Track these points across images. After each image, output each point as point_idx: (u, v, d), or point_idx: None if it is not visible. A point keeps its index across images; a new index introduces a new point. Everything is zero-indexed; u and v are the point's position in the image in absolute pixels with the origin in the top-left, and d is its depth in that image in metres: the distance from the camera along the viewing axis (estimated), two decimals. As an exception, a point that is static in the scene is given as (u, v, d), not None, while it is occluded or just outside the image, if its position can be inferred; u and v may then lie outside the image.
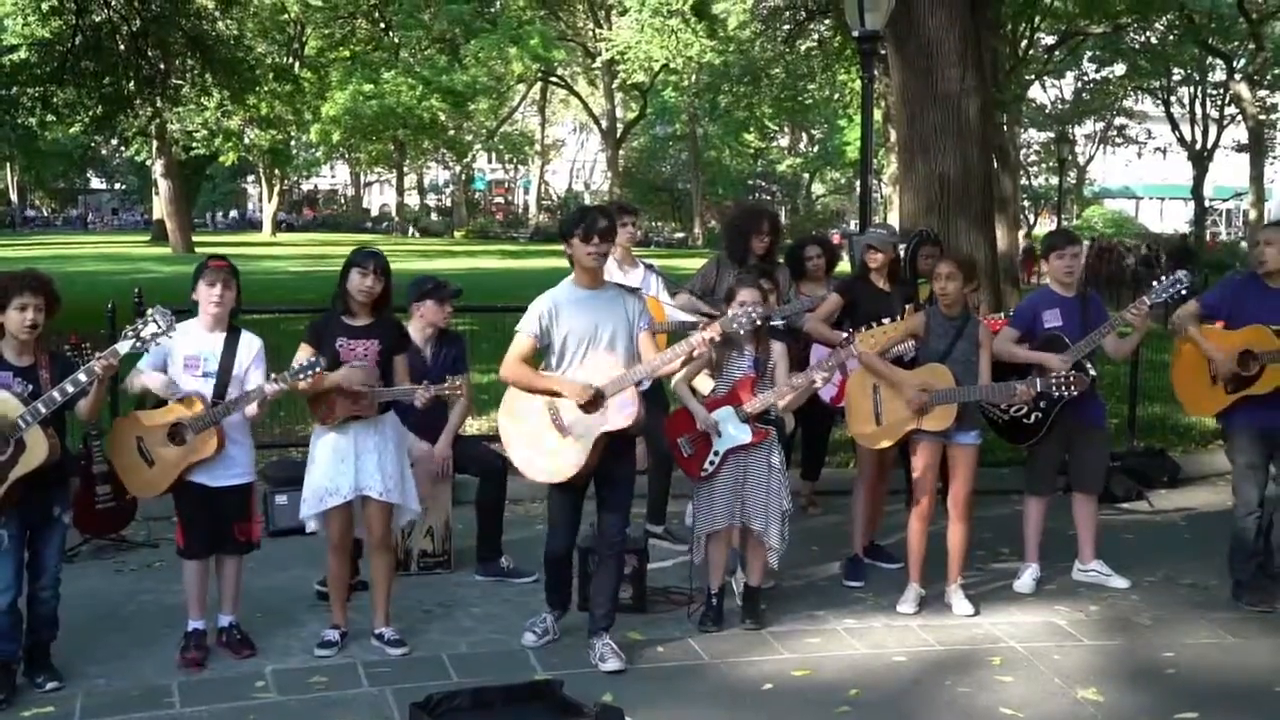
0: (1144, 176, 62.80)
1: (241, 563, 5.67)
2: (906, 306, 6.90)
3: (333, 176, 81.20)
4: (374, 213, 76.25)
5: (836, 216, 64.81)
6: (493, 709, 4.74)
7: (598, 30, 48.30)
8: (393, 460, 5.59)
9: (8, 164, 65.47)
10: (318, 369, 5.29)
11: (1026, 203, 49.81)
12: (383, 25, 41.77)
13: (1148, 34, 35.44)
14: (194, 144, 39.34)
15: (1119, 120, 53.18)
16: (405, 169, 67.62)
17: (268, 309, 11.10)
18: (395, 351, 5.61)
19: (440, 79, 43.99)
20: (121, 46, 21.41)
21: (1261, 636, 5.94)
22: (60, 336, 5.85)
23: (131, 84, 21.89)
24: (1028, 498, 6.77)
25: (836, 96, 36.61)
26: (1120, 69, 43.10)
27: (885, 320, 6.66)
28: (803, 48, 27.84)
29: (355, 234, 58.90)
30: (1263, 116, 40.82)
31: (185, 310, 5.60)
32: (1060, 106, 50.76)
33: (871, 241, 7.28)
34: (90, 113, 23.22)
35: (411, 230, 62.78)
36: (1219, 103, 46.27)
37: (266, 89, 29.69)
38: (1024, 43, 30.40)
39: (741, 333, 5.59)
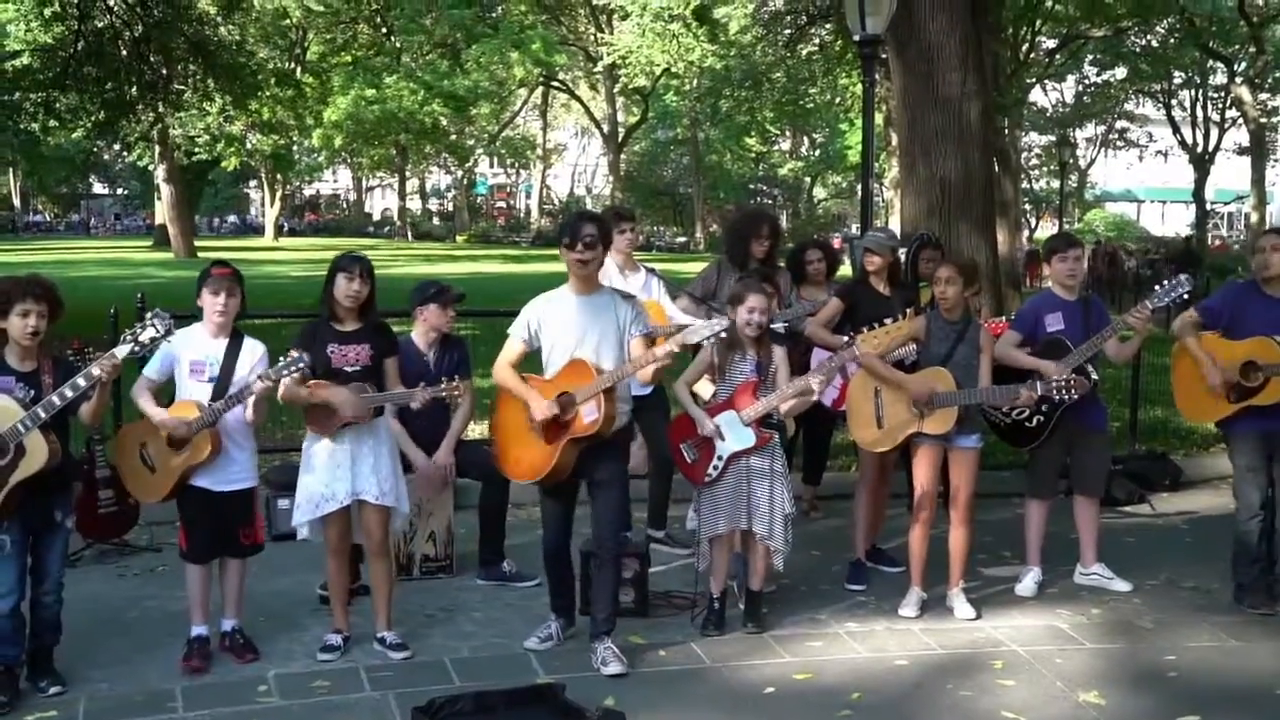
0: (1145, 180, 62.82)
1: (245, 567, 5.68)
2: (907, 310, 6.91)
3: (334, 181, 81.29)
4: (376, 217, 76.28)
5: (838, 220, 64.83)
6: (495, 713, 4.75)
7: (599, 35, 48.33)
8: (386, 463, 5.60)
9: (10, 169, 65.56)
10: (301, 364, 5.28)
11: (1028, 206, 49.83)
12: (384, 30, 41.84)
13: (1149, 37, 35.46)
14: (196, 149, 39.39)
15: (1120, 124, 53.25)
16: (407, 173, 67.65)
17: (269, 314, 11.14)
18: (385, 355, 5.63)
19: (442, 84, 44.05)
20: (124, 52, 21.46)
21: (1263, 640, 5.94)
22: (63, 341, 5.86)
23: (134, 89, 21.94)
24: (1029, 501, 6.78)
25: (838, 100, 36.61)
26: (1121, 72, 43.12)
27: (888, 321, 6.67)
28: (804, 52, 27.88)
29: (357, 239, 58.96)
30: (1264, 119, 40.83)
31: (190, 315, 5.61)
32: (1061, 110, 50.82)
33: (868, 245, 7.29)
34: (93, 118, 23.25)
35: (406, 233, 62.74)
36: (1220, 106, 46.32)
37: (268, 94, 29.71)
38: (1025, 46, 30.43)
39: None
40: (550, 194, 74.04)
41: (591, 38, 51.52)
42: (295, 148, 52.57)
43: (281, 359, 5.33)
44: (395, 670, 5.43)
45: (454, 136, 57.63)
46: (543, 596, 5.99)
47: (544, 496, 5.76)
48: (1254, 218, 41.55)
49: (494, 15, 43.58)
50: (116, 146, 42.11)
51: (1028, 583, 6.62)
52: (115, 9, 21.24)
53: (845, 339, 6.34)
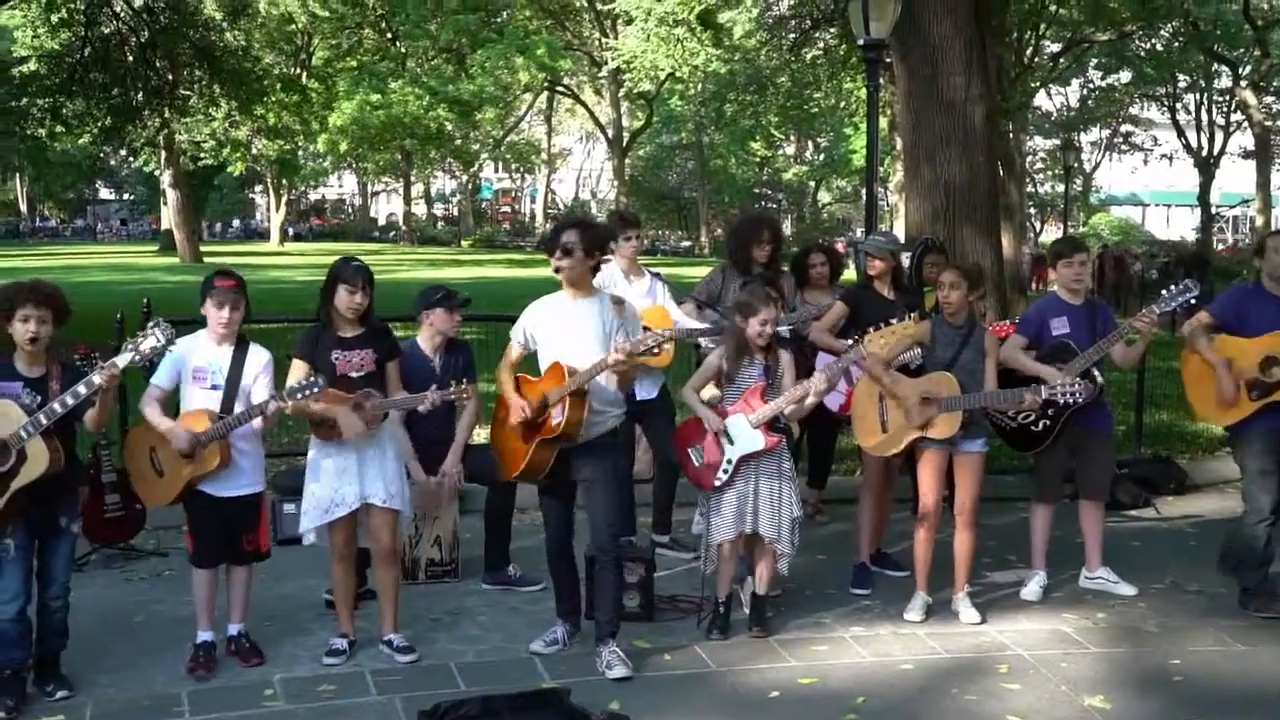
0: (1150, 183, 62.80)
1: (251, 572, 5.70)
2: (911, 314, 6.91)
3: (340, 186, 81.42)
4: (381, 222, 76.38)
5: (843, 224, 64.83)
6: (500, 717, 4.76)
7: (604, 39, 48.32)
8: (393, 466, 5.62)
9: (17, 174, 65.72)
10: (317, 388, 5.31)
11: (1032, 210, 49.84)
12: (389, 35, 41.98)
13: (1153, 41, 35.44)
14: (202, 154, 39.54)
15: (1125, 127, 53.23)
16: (412, 178, 67.72)
17: (274, 319, 11.14)
18: (388, 359, 5.64)
19: (447, 89, 44.11)
20: (130, 58, 21.55)
21: (1268, 644, 5.93)
22: (69, 347, 5.88)
23: (140, 95, 22.04)
24: (1034, 505, 6.78)
25: (842, 105, 36.61)
26: (1126, 76, 43.11)
27: (895, 322, 6.66)
28: (808, 56, 27.84)
29: (362, 243, 59.03)
30: (1269, 123, 40.77)
31: (194, 321, 5.62)
32: (1066, 114, 50.79)
33: (869, 249, 7.31)
34: (99, 123, 23.36)
35: (411, 238, 62.76)
36: (1225, 109, 46.31)
37: (274, 99, 29.83)
38: (1029, 50, 30.37)
39: (655, 352, 5.58)
40: (555, 199, 74.09)
41: (596, 43, 51.53)
42: (300, 153, 52.66)
43: (295, 381, 5.35)
44: (401, 674, 5.44)
45: (459, 141, 57.68)
46: (548, 601, 6.00)
47: (542, 497, 5.82)
48: (1259, 221, 41.49)
49: (499, 20, 43.67)
50: (123, 152, 42.24)
51: (1033, 587, 6.61)
52: (122, 15, 21.34)
53: (849, 343, 6.35)
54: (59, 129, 23.77)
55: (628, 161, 60.27)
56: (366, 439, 5.50)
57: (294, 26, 40.32)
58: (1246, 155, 47.19)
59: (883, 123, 18.53)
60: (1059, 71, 37.50)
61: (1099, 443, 6.68)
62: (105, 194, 78.19)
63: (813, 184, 64.98)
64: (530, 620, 6.10)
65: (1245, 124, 43.09)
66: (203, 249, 44.15)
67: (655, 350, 5.53)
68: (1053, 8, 27.12)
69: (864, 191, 13.41)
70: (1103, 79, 45.60)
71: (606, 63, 44.61)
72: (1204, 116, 47.51)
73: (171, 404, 5.56)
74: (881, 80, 11.70)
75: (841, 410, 7.23)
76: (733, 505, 5.87)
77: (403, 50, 44.69)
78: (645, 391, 7.06)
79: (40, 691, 5.14)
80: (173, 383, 5.49)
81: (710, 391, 6.05)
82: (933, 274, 7.34)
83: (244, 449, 5.51)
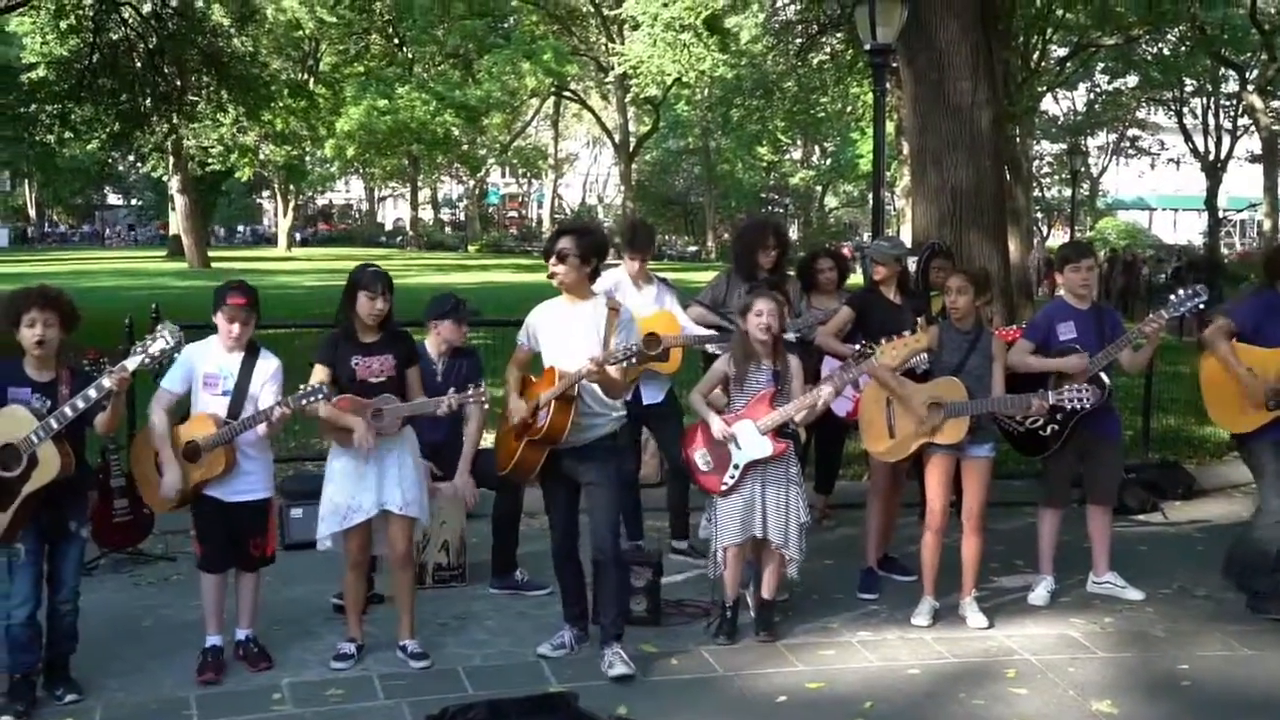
0: (1157, 188, 62.69)
1: (259, 577, 5.71)
2: (918, 319, 6.91)
3: (347, 191, 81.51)
4: (388, 227, 76.48)
5: (849, 229, 64.83)
6: (508, 721, 4.77)
7: (610, 45, 48.39)
8: (411, 474, 5.63)
9: (26, 180, 65.93)
10: (321, 394, 5.33)
11: (1039, 214, 49.74)
12: (396, 41, 42.04)
13: (1160, 45, 35.41)
14: (210, 160, 39.54)
15: (1132, 132, 53.14)
16: (419, 183, 67.82)
17: (282, 324, 11.17)
18: (408, 364, 5.66)
19: (454, 94, 44.17)
20: (138, 64, 21.60)
21: (1276, 648, 5.92)
22: (78, 352, 5.90)
23: (148, 101, 22.09)
24: (1042, 510, 6.78)
25: (849, 109, 36.59)
26: (1133, 80, 43.09)
27: (907, 333, 6.65)
28: (815, 61, 27.84)
29: (369, 248, 59.09)
30: (1276, 127, 40.66)
31: (205, 326, 5.64)
32: (1073, 118, 50.73)
33: (872, 255, 7.32)
34: (107, 129, 23.41)
35: (418, 243, 62.81)
36: (1232, 113, 46.18)
37: (281, 105, 29.87)
38: (1036, 54, 30.37)
39: (626, 363, 5.59)
40: (562, 203, 74.15)
41: (603, 48, 51.59)
42: (308, 158, 52.75)
43: (302, 387, 5.36)
44: (409, 678, 5.45)
45: (466, 146, 57.74)
46: (555, 605, 6.01)
47: (546, 501, 5.85)
48: (1266, 225, 41.43)
49: (505, 26, 43.74)
50: (131, 158, 42.29)
51: (1040, 591, 6.61)
52: (130, 22, 21.39)
53: (856, 348, 6.35)
54: (67, 135, 23.83)
55: (634, 166, 60.31)
56: (386, 443, 5.51)
57: (301, 33, 40.38)
58: (1253, 159, 47.10)
59: (889, 127, 18.56)
60: (1066, 76, 37.47)
61: (1107, 447, 6.68)
62: (113, 199, 78.39)
63: (819, 188, 64.97)
64: (537, 624, 6.11)
65: (1252, 128, 43.01)
66: (211, 254, 44.23)
67: (626, 362, 5.52)
68: (1059, 12, 27.11)
69: (870, 196, 13.42)
70: (1109, 83, 45.60)
71: (613, 68, 44.67)
72: (1211, 120, 47.38)
73: (183, 409, 5.58)
74: (888, 85, 11.71)
75: (849, 415, 7.23)
76: (739, 510, 5.87)
77: (410, 56, 44.74)
78: (652, 396, 7.07)
79: (50, 695, 5.16)
80: (184, 387, 5.51)
81: (717, 398, 6.05)
82: (939, 278, 7.35)
83: (252, 455, 5.52)
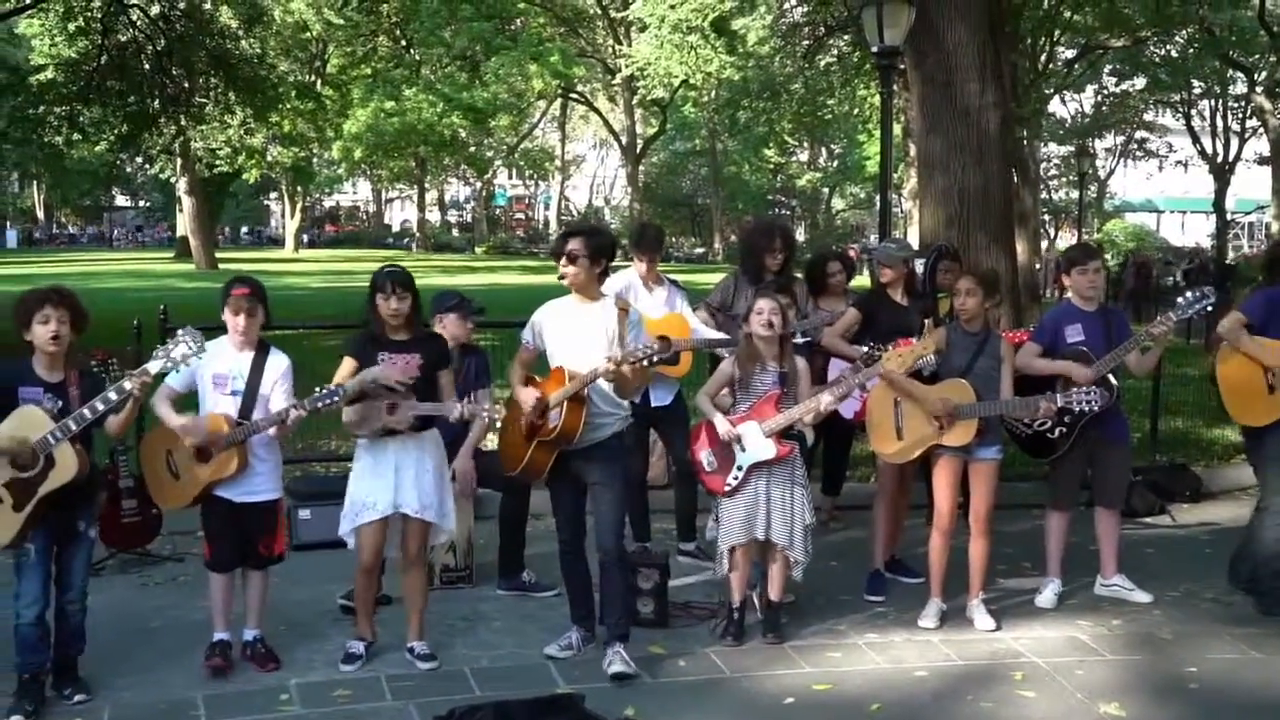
0: (1165, 190, 62.58)
1: (266, 577, 5.72)
2: (925, 321, 6.91)
3: (354, 193, 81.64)
4: (395, 229, 76.57)
5: (856, 231, 64.78)
6: (515, 722, 4.77)
7: (617, 47, 48.45)
8: (431, 478, 5.60)
9: (35, 182, 66.10)
10: (336, 396, 5.34)
11: (1047, 217, 49.69)
12: (404, 43, 42.02)
13: (1168, 47, 35.33)
14: (217, 161, 39.66)
15: (1139, 134, 53.00)
16: (426, 185, 67.90)
17: (289, 325, 11.18)
18: (437, 367, 5.63)
19: (461, 96, 44.21)
20: (146, 66, 21.66)
21: (1285, 651, 5.92)
22: (86, 353, 5.92)
23: (156, 103, 22.15)
24: (1050, 512, 6.77)
25: (856, 111, 36.54)
26: (1140, 82, 42.94)
27: (914, 340, 6.64)
28: (822, 63, 27.85)
29: (377, 250, 59.17)
30: (1285, 129, 40.60)
31: (215, 327, 5.66)
32: (1080, 120, 50.63)
33: (878, 257, 7.33)
34: (115, 131, 23.48)
35: (425, 245, 62.86)
36: (1240, 115, 46.08)
37: (289, 107, 29.94)
38: (1043, 57, 30.33)
39: (646, 363, 5.59)
40: (569, 205, 74.21)
41: (610, 50, 51.66)
42: (315, 160, 52.82)
43: (318, 389, 5.38)
44: (416, 679, 5.45)
45: (473, 148, 57.83)
46: (563, 606, 6.01)
47: (553, 500, 5.86)
48: (1275, 227, 41.31)
49: (513, 28, 43.72)
50: (139, 159, 42.40)
51: (1048, 594, 6.61)
52: (138, 24, 21.45)
53: (864, 349, 6.35)
54: (76, 137, 23.91)
55: (641, 168, 60.35)
56: (406, 443, 5.51)
57: (309, 34, 40.42)
58: (1262, 161, 46.94)
59: (896, 129, 18.53)
60: (1073, 78, 37.42)
61: (1115, 450, 6.68)
62: (121, 201, 78.56)
63: (826, 190, 64.99)
64: (545, 626, 6.11)
65: (1260, 130, 42.87)
66: (218, 256, 44.31)
67: (645, 361, 5.52)
68: (1067, 14, 27.07)
69: (878, 198, 13.40)
70: (1117, 85, 45.47)
71: (620, 70, 44.71)
72: (1219, 122, 47.30)
73: (187, 409, 5.58)
74: (895, 87, 11.70)
75: (856, 417, 7.23)
76: (743, 511, 5.88)
77: (417, 58, 44.72)
78: (661, 398, 7.08)
79: (59, 695, 5.17)
80: (185, 387, 5.53)
81: (725, 399, 6.05)
82: (946, 280, 7.34)
83: (262, 455, 5.54)
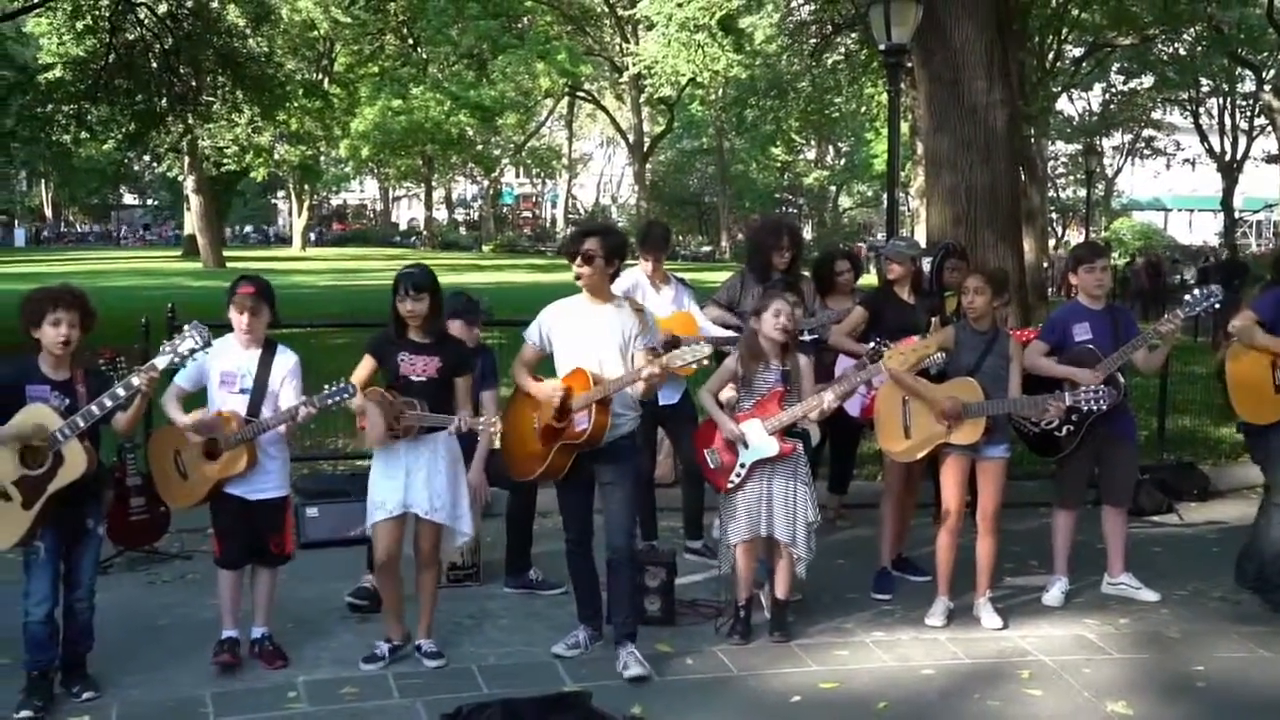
0: (1173, 188, 62.46)
1: (275, 575, 5.73)
2: (933, 320, 6.90)
3: (361, 191, 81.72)
4: (402, 227, 76.66)
5: (864, 229, 64.76)
6: (522, 720, 4.78)
7: (625, 45, 48.47)
8: (444, 480, 5.57)
9: (43, 180, 66.25)
10: (347, 394, 5.36)
11: (1054, 215, 49.62)
12: (411, 41, 42.04)
13: (1176, 45, 35.30)
14: (225, 160, 39.70)
15: (1147, 132, 52.96)
16: (433, 183, 67.96)
17: (297, 324, 11.19)
18: (455, 372, 5.61)
19: (468, 94, 44.26)
20: (154, 64, 21.69)
21: (1293, 650, 5.91)
22: (94, 352, 5.94)
23: (164, 101, 22.18)
24: (1057, 511, 6.76)
25: (863, 110, 36.60)
26: (1148, 80, 42.93)
27: (916, 338, 6.64)
28: (829, 61, 27.82)
29: (384, 248, 59.23)
30: (1293, 127, 40.53)
31: (223, 325, 5.67)
32: (1088, 118, 50.57)
33: (888, 254, 7.33)
34: (123, 129, 23.52)
35: (432, 243, 62.91)
36: (1248, 113, 46.02)
37: (296, 105, 29.99)
38: (1051, 55, 30.30)
39: (695, 365, 5.58)
40: (576, 204, 74.24)
41: (617, 48, 51.66)
42: (323, 158, 52.89)
43: (328, 386, 5.39)
44: (424, 677, 5.46)
45: (480, 147, 57.91)
46: (570, 604, 6.01)
47: (562, 501, 5.82)
48: (1283, 225, 41.26)
49: (520, 26, 43.73)
50: (146, 158, 42.53)
51: (1055, 592, 6.60)
52: (146, 22, 21.48)
53: (870, 346, 6.34)
54: (84, 135, 23.94)
55: (649, 166, 60.38)
56: (418, 445, 5.49)
57: (316, 33, 40.44)
58: (1270, 159, 46.93)
59: (904, 128, 18.54)
60: (1081, 76, 37.38)
61: (1122, 448, 6.67)
62: (129, 200, 78.71)
63: (833, 189, 64.95)
64: (552, 624, 6.11)
65: (1269, 128, 42.83)
66: (226, 254, 44.38)
67: (693, 364, 5.52)
68: (1075, 12, 27.04)
69: (885, 196, 13.40)
70: (1125, 83, 45.44)
71: (627, 68, 44.71)
72: (1227, 121, 47.24)
73: (194, 407, 5.60)
74: (903, 85, 11.71)
75: (864, 415, 7.23)
76: (746, 508, 5.88)
77: (424, 56, 44.73)
78: (668, 396, 7.07)
79: (67, 693, 5.18)
80: (194, 385, 5.54)
81: (729, 396, 6.05)
82: (954, 279, 7.34)
83: (272, 453, 5.54)
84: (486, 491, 6.66)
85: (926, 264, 7.62)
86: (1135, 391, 8.02)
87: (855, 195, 65.45)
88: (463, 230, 72.99)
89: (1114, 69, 42.23)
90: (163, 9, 21.60)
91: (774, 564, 6.02)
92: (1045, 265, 28.92)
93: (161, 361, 5.11)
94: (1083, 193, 49.36)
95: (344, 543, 7.25)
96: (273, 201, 76.48)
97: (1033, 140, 28.94)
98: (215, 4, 23.25)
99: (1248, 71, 39.18)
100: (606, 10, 50.38)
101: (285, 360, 5.57)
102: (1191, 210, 66.59)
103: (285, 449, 5.66)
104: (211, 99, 23.66)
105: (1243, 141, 46.99)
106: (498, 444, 6.09)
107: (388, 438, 5.45)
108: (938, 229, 11.37)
